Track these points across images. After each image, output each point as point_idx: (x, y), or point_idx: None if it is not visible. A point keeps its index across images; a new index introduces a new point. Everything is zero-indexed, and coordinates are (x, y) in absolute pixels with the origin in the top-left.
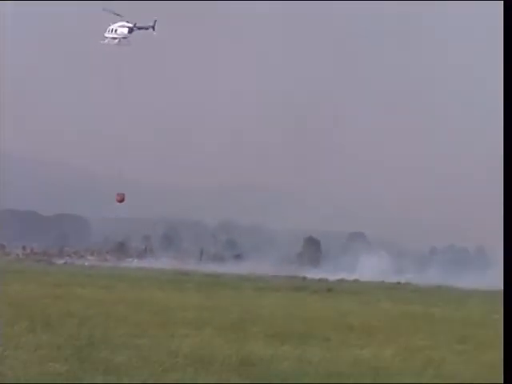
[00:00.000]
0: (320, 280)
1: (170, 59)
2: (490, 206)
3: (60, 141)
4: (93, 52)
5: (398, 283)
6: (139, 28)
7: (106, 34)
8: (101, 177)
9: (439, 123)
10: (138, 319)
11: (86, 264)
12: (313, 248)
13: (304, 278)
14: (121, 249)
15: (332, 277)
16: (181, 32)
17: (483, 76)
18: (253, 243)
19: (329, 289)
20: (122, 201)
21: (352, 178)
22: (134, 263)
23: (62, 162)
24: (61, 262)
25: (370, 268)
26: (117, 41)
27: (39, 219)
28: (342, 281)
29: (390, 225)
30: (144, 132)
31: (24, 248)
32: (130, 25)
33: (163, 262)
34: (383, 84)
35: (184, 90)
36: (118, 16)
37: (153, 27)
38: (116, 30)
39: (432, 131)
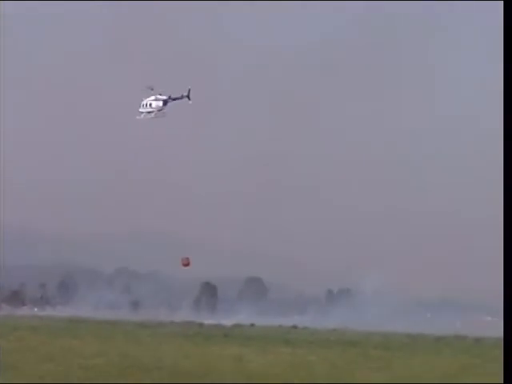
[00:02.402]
0: (216, 325)
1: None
2: (388, 249)
3: None
4: None
5: (295, 327)
6: (174, 99)
7: (141, 109)
8: None
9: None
10: (32, 368)
11: None
12: (209, 293)
13: (201, 324)
14: (16, 297)
15: (228, 322)
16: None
17: None
18: (150, 290)
19: (225, 334)
20: (187, 265)
21: (250, 224)
22: (30, 311)
23: None
24: None
25: (266, 312)
26: (153, 114)
27: None
28: (238, 326)
29: (286, 269)
30: (42, 182)
31: None
32: (165, 97)
33: (59, 310)
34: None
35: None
36: (151, 90)
37: (188, 96)
38: (151, 104)
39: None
